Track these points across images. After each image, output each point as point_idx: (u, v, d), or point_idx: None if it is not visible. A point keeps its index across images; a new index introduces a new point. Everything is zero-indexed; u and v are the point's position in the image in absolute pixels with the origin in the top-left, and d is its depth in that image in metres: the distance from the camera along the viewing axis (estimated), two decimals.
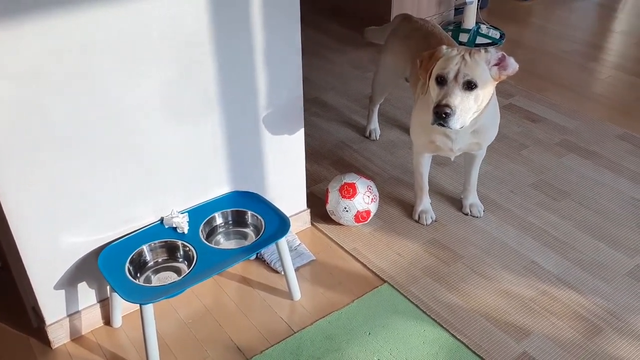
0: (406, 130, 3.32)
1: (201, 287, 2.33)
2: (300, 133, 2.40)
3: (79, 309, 2.09)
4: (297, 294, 2.28)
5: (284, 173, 2.45)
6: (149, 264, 2.04)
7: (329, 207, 2.58)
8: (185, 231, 2.08)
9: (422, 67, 2.16)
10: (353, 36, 4.51)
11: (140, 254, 2.02)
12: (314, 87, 3.82)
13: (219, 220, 2.19)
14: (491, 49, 2.06)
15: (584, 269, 2.40)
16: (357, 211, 2.52)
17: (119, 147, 1.90)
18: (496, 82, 2.08)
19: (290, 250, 2.44)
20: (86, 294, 2.10)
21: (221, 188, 2.26)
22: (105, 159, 1.89)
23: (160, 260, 2.06)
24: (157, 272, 2.03)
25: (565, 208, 2.74)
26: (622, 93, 3.77)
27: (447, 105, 1.98)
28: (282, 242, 2.11)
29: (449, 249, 2.52)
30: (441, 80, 2.03)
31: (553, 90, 3.77)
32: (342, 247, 2.54)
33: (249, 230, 2.18)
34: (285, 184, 2.48)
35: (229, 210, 2.20)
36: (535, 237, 2.57)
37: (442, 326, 2.16)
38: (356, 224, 2.59)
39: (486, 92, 2.05)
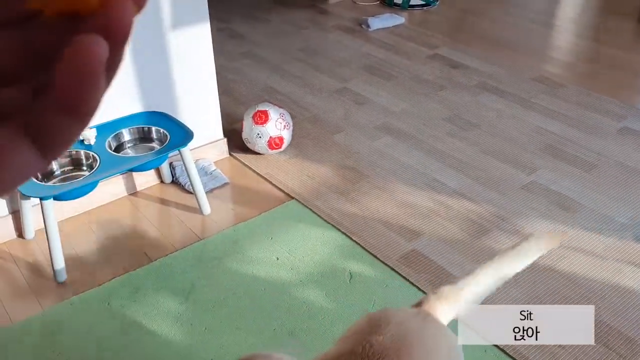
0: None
1: (118, 207, 2.45)
2: (209, 57, 2.52)
3: None
4: (206, 209, 2.40)
5: (198, 100, 2.57)
6: (56, 173, 2.15)
7: (243, 134, 2.71)
8: (92, 143, 2.19)
9: None
10: None
11: None
12: (249, 42, 3.95)
13: (126, 136, 2.30)
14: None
15: (482, 184, 2.55)
16: (270, 137, 2.65)
17: None
18: None
19: (205, 174, 2.57)
20: None
21: (132, 107, 2.37)
22: None
23: (66, 169, 2.17)
24: (63, 181, 2.14)
25: (473, 137, 2.89)
26: (540, 42, 3.96)
27: None
28: (185, 151, 2.23)
29: (356, 171, 2.65)
30: None
31: (477, 43, 3.93)
32: (256, 172, 2.67)
33: (155, 144, 2.29)
34: (200, 110, 2.60)
35: (135, 127, 2.31)
36: (440, 160, 2.72)
37: (339, 230, 2.29)
38: (270, 151, 2.71)
39: None
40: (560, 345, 1.80)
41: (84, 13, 0.27)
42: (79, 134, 0.28)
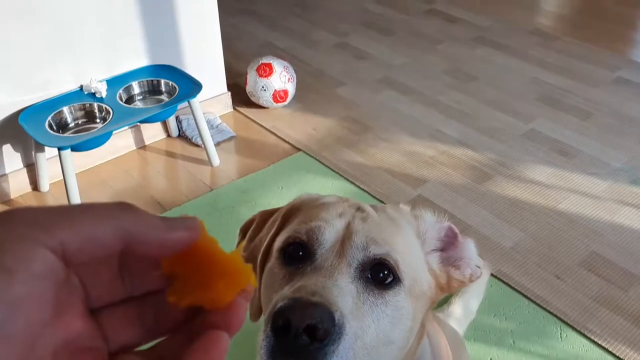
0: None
1: (128, 161, 2.49)
2: (213, 10, 2.54)
3: (6, 172, 2.24)
4: (215, 161, 2.45)
5: (202, 54, 2.60)
6: (70, 125, 2.19)
7: (248, 88, 2.75)
8: (104, 95, 2.22)
9: (248, 243, 0.97)
10: None
11: (61, 114, 2.16)
12: (246, 1, 3.94)
13: (136, 89, 2.33)
14: (426, 212, 0.88)
15: (483, 133, 2.62)
16: (275, 90, 2.69)
17: (30, 6, 2.03)
18: (436, 299, 0.86)
19: (211, 128, 2.61)
20: (11, 158, 2.23)
21: (139, 61, 2.40)
22: (16, 19, 2.02)
23: (80, 122, 2.20)
24: (77, 132, 2.18)
25: (472, 88, 2.95)
26: None
27: (317, 304, 0.66)
28: (195, 102, 2.27)
29: (360, 123, 2.71)
30: (299, 255, 0.78)
31: None
32: (262, 126, 2.72)
33: (164, 97, 2.33)
34: (204, 64, 2.63)
35: (145, 79, 2.34)
36: (442, 111, 2.78)
37: (348, 180, 2.36)
38: (275, 104, 2.76)
39: (417, 314, 0.80)
40: (558, 277, 1.90)
41: (208, 308, 0.36)
42: None
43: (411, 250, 0.80)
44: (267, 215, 0.92)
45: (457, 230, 0.85)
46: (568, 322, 1.77)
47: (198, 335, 0.34)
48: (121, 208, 0.34)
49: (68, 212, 0.32)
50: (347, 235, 0.76)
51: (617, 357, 1.67)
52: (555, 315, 1.79)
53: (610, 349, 1.69)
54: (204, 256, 0.36)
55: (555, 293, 1.86)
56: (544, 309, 1.81)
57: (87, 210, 0.32)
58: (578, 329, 1.75)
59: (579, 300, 1.84)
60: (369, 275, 0.74)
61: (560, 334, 1.74)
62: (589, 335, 1.73)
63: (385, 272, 0.74)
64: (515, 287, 1.88)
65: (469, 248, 0.85)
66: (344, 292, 0.69)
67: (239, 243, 0.92)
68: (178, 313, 0.37)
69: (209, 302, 0.35)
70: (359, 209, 0.82)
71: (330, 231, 0.76)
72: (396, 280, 0.74)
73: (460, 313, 1.70)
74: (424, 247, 0.83)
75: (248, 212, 2.21)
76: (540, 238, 2.06)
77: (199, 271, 0.36)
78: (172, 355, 0.34)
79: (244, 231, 0.95)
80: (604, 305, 1.82)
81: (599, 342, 1.71)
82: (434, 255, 0.84)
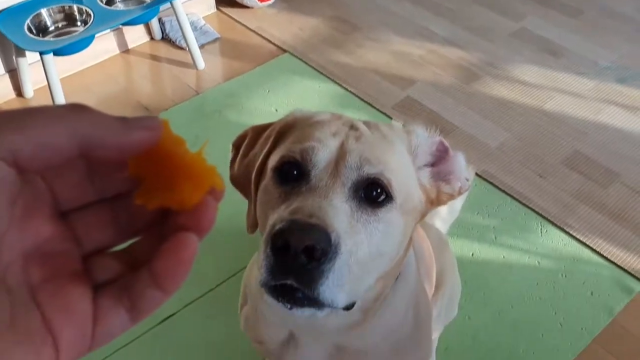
0: None
1: (111, 65, 2.45)
2: None
3: None
4: (201, 64, 2.41)
5: None
6: (50, 29, 2.13)
7: None
8: None
9: (242, 159, 0.94)
10: None
11: (40, 17, 2.09)
12: None
13: None
14: (418, 127, 0.89)
15: (472, 32, 2.59)
16: None
17: None
18: (425, 212, 0.88)
19: (195, 29, 2.54)
20: None
21: None
22: None
23: (60, 25, 2.14)
24: (58, 36, 2.12)
25: None
26: None
27: (314, 226, 0.69)
28: (177, 3, 2.20)
29: (348, 22, 2.65)
30: (293, 174, 0.78)
31: None
32: (246, 27, 2.65)
33: None
34: None
35: None
36: (430, 9, 2.72)
37: (335, 82, 2.34)
38: (260, 3, 2.68)
39: (407, 228, 0.83)
40: (541, 175, 1.95)
41: (176, 210, 0.35)
42: (163, 303, 0.35)
43: (403, 167, 0.81)
44: (259, 130, 0.91)
45: (447, 145, 0.86)
46: (548, 218, 1.84)
47: (167, 237, 0.33)
48: (74, 110, 0.31)
49: (17, 118, 0.30)
50: (341, 155, 0.76)
51: (594, 250, 1.76)
52: (537, 212, 1.86)
53: (587, 243, 1.77)
54: (168, 157, 0.35)
55: (538, 191, 1.92)
56: (526, 206, 1.87)
57: (37, 114, 0.30)
58: (558, 224, 1.82)
59: (560, 197, 1.90)
60: (363, 194, 0.75)
61: (541, 229, 1.82)
62: (568, 230, 1.81)
63: (378, 191, 0.75)
64: (499, 186, 1.93)
65: (459, 162, 0.86)
66: (338, 212, 0.71)
67: (233, 158, 0.93)
68: (149, 214, 0.36)
69: (177, 204, 0.34)
70: (353, 127, 0.81)
71: (324, 151, 0.76)
72: (389, 198, 0.76)
73: (446, 212, 1.75)
74: (416, 162, 0.84)
75: (236, 116, 2.21)
76: (526, 137, 2.10)
77: (164, 172, 0.35)
78: (145, 256, 0.34)
79: (236, 146, 0.94)
80: (584, 202, 1.89)
81: (578, 237, 1.79)
82: (425, 170, 0.85)
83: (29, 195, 0.32)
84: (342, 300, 0.71)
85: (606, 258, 1.74)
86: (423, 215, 0.86)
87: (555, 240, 1.79)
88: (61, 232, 0.35)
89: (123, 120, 0.33)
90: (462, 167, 0.85)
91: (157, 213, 0.36)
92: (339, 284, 0.69)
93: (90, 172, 0.35)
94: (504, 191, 1.92)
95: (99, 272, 0.35)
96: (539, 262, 1.73)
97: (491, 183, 1.94)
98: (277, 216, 0.72)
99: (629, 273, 1.70)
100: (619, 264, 1.72)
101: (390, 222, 0.76)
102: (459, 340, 1.55)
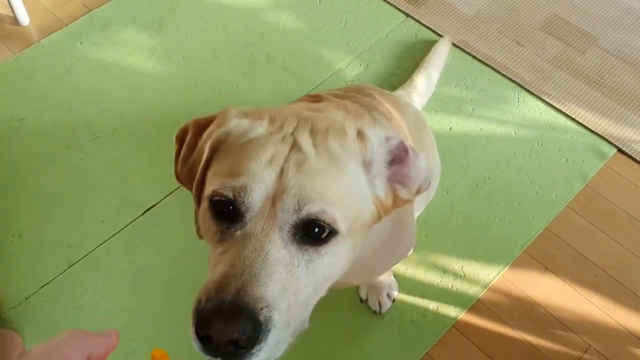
0: None
1: None
2: None
3: None
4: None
5: None
6: None
7: None
8: None
9: (184, 161, 0.86)
10: None
11: None
12: None
13: None
14: (372, 133, 0.79)
15: None
16: None
17: None
18: (378, 220, 0.82)
19: None
20: None
21: None
22: None
23: None
24: None
25: None
26: None
27: (239, 313, 0.65)
28: None
29: None
30: (229, 209, 0.73)
31: None
32: None
33: None
34: None
35: None
36: None
37: None
38: None
39: (357, 242, 0.79)
40: (519, 43, 1.91)
41: None
42: None
43: (353, 192, 0.74)
44: (200, 127, 0.83)
45: (408, 146, 0.78)
46: (525, 86, 1.82)
47: None
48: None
49: None
50: (278, 192, 0.70)
51: (569, 116, 1.77)
52: (514, 81, 1.84)
53: (563, 110, 1.78)
54: None
55: (515, 59, 1.89)
56: (503, 75, 1.85)
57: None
58: (535, 92, 1.81)
59: (537, 64, 1.88)
60: (303, 234, 0.70)
61: (518, 99, 1.81)
62: (544, 97, 1.80)
63: (321, 228, 0.70)
64: (476, 56, 1.89)
65: (419, 165, 0.79)
66: (274, 270, 0.67)
67: (177, 152, 0.85)
68: None
69: None
70: (295, 146, 0.73)
71: (258, 190, 0.70)
72: (333, 232, 0.71)
73: (424, 87, 1.73)
74: (372, 172, 0.77)
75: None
76: (504, 2, 2.02)
77: None
78: None
79: (179, 140, 0.85)
80: (560, 68, 1.87)
81: (553, 104, 1.79)
82: (381, 179, 0.78)
83: None
84: (283, 348, 0.69)
85: (581, 124, 1.75)
86: (375, 222, 0.80)
87: (532, 109, 1.79)
88: None
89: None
90: (421, 170, 0.79)
91: None
92: (276, 348, 0.67)
93: None
94: (481, 61, 1.88)
95: None
96: (515, 132, 1.74)
97: (468, 53, 1.90)
98: (204, 287, 0.67)
99: (603, 138, 1.72)
100: (593, 129, 1.74)
101: (335, 252, 0.72)
102: (438, 212, 1.59)
